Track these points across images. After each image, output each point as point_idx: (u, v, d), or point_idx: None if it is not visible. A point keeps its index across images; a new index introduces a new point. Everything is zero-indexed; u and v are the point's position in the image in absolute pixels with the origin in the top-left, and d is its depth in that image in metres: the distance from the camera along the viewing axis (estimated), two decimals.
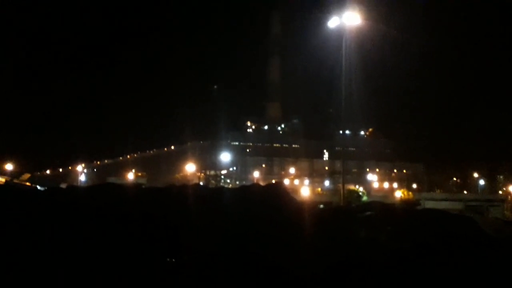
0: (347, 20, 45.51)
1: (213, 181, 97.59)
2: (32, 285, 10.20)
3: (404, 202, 60.69)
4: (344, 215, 22.34)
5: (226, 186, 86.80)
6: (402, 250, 13.74)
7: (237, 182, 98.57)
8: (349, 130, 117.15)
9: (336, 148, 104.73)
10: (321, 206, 46.18)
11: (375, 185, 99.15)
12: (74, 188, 29.46)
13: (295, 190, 67.78)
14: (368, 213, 20.82)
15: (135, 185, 36.45)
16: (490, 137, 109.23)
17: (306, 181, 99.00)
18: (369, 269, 11.90)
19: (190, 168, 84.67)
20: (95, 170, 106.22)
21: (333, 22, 46.68)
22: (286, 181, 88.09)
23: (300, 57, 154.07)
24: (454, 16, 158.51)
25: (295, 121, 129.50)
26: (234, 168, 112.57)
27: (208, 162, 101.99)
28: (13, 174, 71.74)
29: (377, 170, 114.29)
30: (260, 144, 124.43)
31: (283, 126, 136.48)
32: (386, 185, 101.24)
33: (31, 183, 61.55)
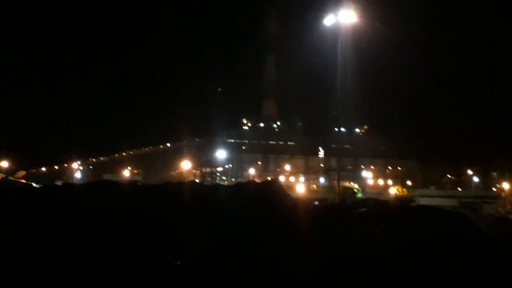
0: (343, 18, 45.50)
1: (208, 178, 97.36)
2: (27, 282, 10.16)
3: (398, 198, 60.72)
4: (339, 212, 22.42)
5: (222, 183, 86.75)
6: (396, 247, 13.80)
7: (233, 179, 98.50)
8: (345, 127, 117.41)
9: (332, 146, 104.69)
10: (316, 202, 46.24)
11: (370, 182, 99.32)
12: (70, 185, 29.38)
13: (291, 187, 67.74)
14: (363, 209, 20.92)
15: (131, 182, 36.41)
16: (484, 134, 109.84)
17: (302, 178, 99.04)
18: (364, 266, 11.94)
19: (186, 165, 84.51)
20: (90, 167, 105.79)
21: (328, 20, 46.67)
22: (282, 178, 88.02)
23: (296, 55, 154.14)
24: (448, 13, 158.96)
25: (296, 123, 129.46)
26: (230, 165, 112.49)
27: (204, 160, 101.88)
28: (8, 172, 71.39)
29: (372, 167, 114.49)
30: (256, 141, 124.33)
31: (278, 123, 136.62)
32: (380, 182, 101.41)
33: (27, 180, 61.28)
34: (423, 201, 61.58)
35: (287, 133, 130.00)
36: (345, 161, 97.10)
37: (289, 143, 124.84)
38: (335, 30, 45.79)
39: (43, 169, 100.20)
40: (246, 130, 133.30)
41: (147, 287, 10.49)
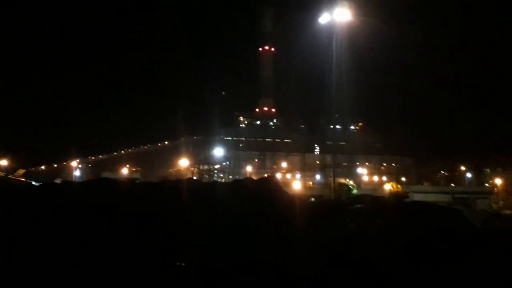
0: (338, 17, 45.54)
1: (206, 176, 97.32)
2: (27, 280, 10.14)
3: (393, 195, 60.79)
4: (334, 208, 22.44)
5: (219, 180, 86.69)
6: (391, 243, 13.82)
7: (230, 177, 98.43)
8: (340, 124, 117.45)
9: (327, 143, 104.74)
10: (312, 199, 46.34)
11: (365, 178, 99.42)
12: (69, 184, 29.35)
13: (287, 184, 67.76)
14: (358, 206, 20.94)
15: (130, 180, 36.38)
16: (477, 131, 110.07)
17: (298, 175, 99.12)
18: (359, 262, 11.96)
19: (183, 163, 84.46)
20: (89, 165, 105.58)
21: (324, 19, 46.69)
22: (278, 175, 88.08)
23: (292, 53, 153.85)
24: (442, 10, 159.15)
25: (294, 121, 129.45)
26: (227, 162, 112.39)
27: (201, 157, 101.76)
28: (8, 170, 71.15)
29: (367, 163, 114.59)
30: (253, 139, 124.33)
31: (275, 121, 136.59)
32: (375, 178, 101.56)
33: (26, 179, 61.19)
34: (417, 197, 61.67)
35: (283, 131, 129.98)
36: (341, 158, 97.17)
37: (285, 140, 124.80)
38: (330, 28, 45.84)
39: (43, 167, 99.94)
40: (243, 127, 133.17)
41: (147, 286, 10.48)
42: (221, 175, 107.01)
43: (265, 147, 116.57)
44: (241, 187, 19.95)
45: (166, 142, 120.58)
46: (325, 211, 20.89)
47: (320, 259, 11.76)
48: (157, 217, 14.21)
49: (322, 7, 47.43)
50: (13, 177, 62.56)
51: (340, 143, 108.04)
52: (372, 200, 23.87)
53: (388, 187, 68.93)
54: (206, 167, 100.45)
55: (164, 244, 12.28)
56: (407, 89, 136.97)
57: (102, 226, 13.09)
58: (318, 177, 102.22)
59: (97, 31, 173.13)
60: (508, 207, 69.63)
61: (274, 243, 12.57)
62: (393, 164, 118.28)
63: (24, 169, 78.37)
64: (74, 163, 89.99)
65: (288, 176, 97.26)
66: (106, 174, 68.27)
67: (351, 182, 72.29)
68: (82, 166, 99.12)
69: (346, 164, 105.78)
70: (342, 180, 73.59)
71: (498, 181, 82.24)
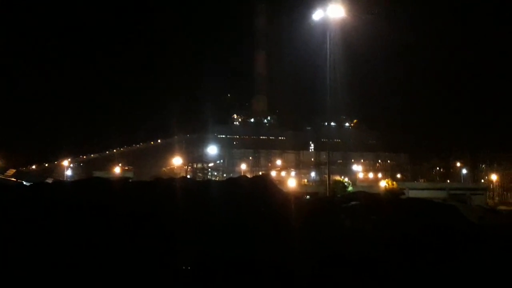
0: (331, 13, 45.61)
1: (200, 174, 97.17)
2: (18, 282, 10.07)
3: (388, 191, 61.07)
4: (329, 205, 22.50)
5: (213, 178, 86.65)
6: (387, 240, 13.87)
7: (224, 175, 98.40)
8: (334, 122, 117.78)
9: (322, 140, 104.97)
10: (308, 196, 46.40)
11: (360, 175, 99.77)
12: (60, 183, 29.21)
13: (282, 181, 67.88)
14: (354, 203, 21.02)
15: (122, 179, 36.23)
16: (472, 127, 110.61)
17: (293, 173, 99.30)
18: (354, 260, 11.98)
19: (177, 161, 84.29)
20: (81, 164, 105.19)
21: (317, 15, 46.75)
22: (273, 173, 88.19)
23: (285, 50, 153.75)
24: (437, 6, 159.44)
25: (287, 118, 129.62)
26: (221, 161, 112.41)
27: (195, 155, 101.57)
28: None
29: (362, 160, 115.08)
30: (247, 136, 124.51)
31: (269, 118, 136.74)
32: (371, 175, 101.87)
33: (17, 179, 60.78)
34: (413, 194, 61.97)
35: (278, 128, 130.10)
36: (336, 155, 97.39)
37: (280, 138, 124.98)
38: (324, 25, 45.91)
39: (33, 167, 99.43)
40: (237, 125, 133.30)
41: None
42: (215, 173, 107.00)
43: (259, 145, 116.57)
44: (236, 185, 19.91)
45: (159, 140, 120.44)
46: (320, 208, 20.94)
47: (315, 257, 11.76)
48: (151, 216, 14.16)
49: (316, 3, 47.51)
50: (3, 177, 62.13)
51: (335, 140, 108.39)
52: (368, 197, 23.97)
53: (383, 184, 69.23)
54: (200, 165, 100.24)
55: (158, 245, 12.23)
56: (402, 86, 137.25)
57: (94, 226, 13.02)
58: (313, 174, 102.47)
59: (86, 25, 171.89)
60: (504, 203, 70.23)
61: (269, 242, 12.56)
62: (388, 161, 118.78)
63: (14, 168, 77.88)
64: (65, 162, 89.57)
65: (283, 173, 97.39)
66: (98, 173, 68.01)
67: (346, 179, 72.53)
68: (73, 165, 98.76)
69: (341, 161, 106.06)
70: (337, 177, 73.84)
71: (494, 177, 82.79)
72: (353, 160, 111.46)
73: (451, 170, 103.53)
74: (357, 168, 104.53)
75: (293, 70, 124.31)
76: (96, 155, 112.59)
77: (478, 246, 13.54)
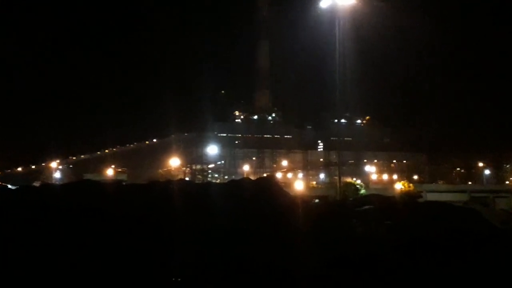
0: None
1: (199, 176, 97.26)
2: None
3: (404, 194, 61.09)
4: (340, 210, 22.53)
5: (213, 181, 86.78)
6: (402, 247, 13.87)
7: (226, 177, 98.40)
8: (345, 118, 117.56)
9: (332, 138, 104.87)
10: (316, 200, 46.40)
11: (374, 177, 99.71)
12: (48, 187, 29.31)
13: (288, 184, 67.84)
14: (366, 207, 21.03)
15: (115, 182, 36.37)
16: (496, 123, 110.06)
17: (300, 174, 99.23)
18: (368, 267, 12.01)
19: (174, 162, 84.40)
20: (70, 166, 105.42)
21: (325, 2, 46.68)
22: (278, 175, 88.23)
23: (290, 40, 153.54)
24: None
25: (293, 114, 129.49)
26: (222, 161, 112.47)
27: (194, 156, 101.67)
28: None
29: (376, 161, 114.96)
30: (250, 135, 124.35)
31: (273, 115, 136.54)
32: (385, 176, 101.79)
33: (1, 182, 61.07)
34: (431, 197, 61.93)
35: (283, 126, 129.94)
36: (347, 155, 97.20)
37: (285, 136, 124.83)
38: (332, 12, 45.80)
39: (19, 169, 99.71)
40: (239, 123, 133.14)
41: None
42: (216, 175, 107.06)
43: (263, 144, 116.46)
44: (238, 188, 19.97)
45: (155, 140, 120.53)
46: (331, 213, 20.97)
47: (326, 264, 11.80)
48: (146, 223, 14.22)
49: None
50: None
51: (346, 138, 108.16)
52: (382, 201, 23.98)
53: (399, 186, 69.23)
54: (199, 166, 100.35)
55: (154, 253, 12.28)
56: (418, 79, 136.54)
57: (84, 233, 13.08)
58: (322, 176, 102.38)
59: (74, 20, 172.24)
60: None
61: (275, 249, 12.60)
62: (404, 161, 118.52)
63: None
64: (53, 164, 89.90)
65: (289, 175, 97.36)
66: (89, 176, 68.16)
67: (358, 181, 72.55)
68: (62, 167, 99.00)
69: (352, 161, 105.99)
70: (349, 179, 73.85)
71: None
72: (365, 160, 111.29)
73: (473, 171, 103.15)
74: (370, 169, 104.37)
75: (299, 62, 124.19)
76: (87, 156, 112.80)
77: (501, 254, 13.53)
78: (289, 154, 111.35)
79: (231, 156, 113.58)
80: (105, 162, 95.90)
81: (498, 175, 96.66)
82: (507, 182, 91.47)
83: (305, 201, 27.78)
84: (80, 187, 20.23)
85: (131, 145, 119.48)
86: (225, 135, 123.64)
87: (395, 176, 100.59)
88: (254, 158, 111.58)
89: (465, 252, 13.29)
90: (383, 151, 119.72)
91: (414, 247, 13.70)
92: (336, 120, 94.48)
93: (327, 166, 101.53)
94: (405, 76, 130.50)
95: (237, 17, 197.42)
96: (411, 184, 71.27)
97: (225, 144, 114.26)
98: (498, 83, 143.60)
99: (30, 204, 15.80)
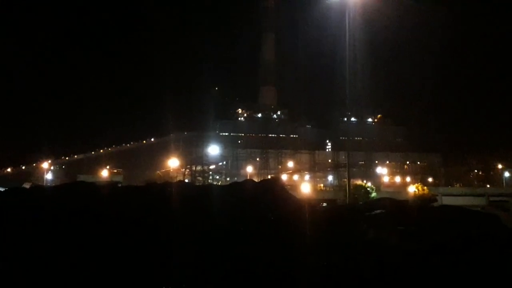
0: None
1: (200, 178, 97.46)
2: None
3: (418, 198, 61.10)
4: (350, 214, 22.47)
5: (215, 183, 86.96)
6: (416, 253, 13.83)
7: (228, 179, 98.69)
8: (355, 116, 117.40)
9: (341, 138, 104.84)
10: (324, 204, 46.40)
11: (385, 179, 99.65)
12: (40, 189, 29.37)
13: (294, 186, 67.93)
14: (378, 211, 20.96)
15: (110, 184, 36.40)
16: None
17: (307, 176, 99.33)
18: (379, 275, 11.98)
19: (173, 163, 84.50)
20: (63, 167, 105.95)
21: None
22: (284, 177, 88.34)
23: (297, 33, 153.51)
24: None
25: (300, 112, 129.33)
26: (224, 162, 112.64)
27: (193, 156, 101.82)
28: None
29: (388, 162, 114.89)
30: (253, 134, 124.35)
31: (279, 113, 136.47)
32: (397, 179, 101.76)
33: None
34: (446, 201, 61.88)
35: (289, 124, 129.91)
36: (356, 156, 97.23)
37: (291, 136, 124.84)
38: (342, 3, 45.68)
39: (8, 169, 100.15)
40: (242, 121, 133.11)
41: None
42: (217, 177, 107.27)
43: (267, 144, 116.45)
44: (241, 191, 19.95)
45: (153, 139, 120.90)
46: (339, 217, 20.93)
47: (334, 272, 11.78)
48: (142, 227, 14.21)
49: None
50: None
51: (356, 138, 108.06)
52: (394, 205, 23.89)
53: (412, 189, 69.20)
54: (199, 167, 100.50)
55: (151, 262, 12.29)
56: (433, 76, 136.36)
57: (77, 238, 13.09)
58: (330, 178, 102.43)
59: (74, 20, 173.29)
60: None
61: (281, 256, 12.57)
62: (418, 163, 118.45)
63: None
64: (45, 165, 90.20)
65: (296, 177, 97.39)
66: (83, 177, 68.43)
67: (369, 184, 72.55)
68: (54, 168, 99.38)
69: (363, 162, 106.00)
70: (359, 182, 73.90)
71: None
72: (377, 162, 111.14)
73: (492, 173, 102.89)
74: (381, 170, 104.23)
75: (306, 57, 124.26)
76: (81, 156, 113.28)
77: None
78: (295, 154, 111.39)
79: (233, 157, 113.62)
80: (100, 162, 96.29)
81: None
82: None
83: (312, 204, 27.77)
84: (73, 189, 20.26)
85: (128, 145, 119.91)
86: (227, 134, 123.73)
87: (408, 179, 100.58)
88: (258, 159, 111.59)
89: (483, 260, 13.22)
90: (396, 152, 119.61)
91: (429, 254, 13.65)
92: (345, 119, 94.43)
93: (335, 168, 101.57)
94: (419, 72, 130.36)
95: (241, 10, 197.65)
96: (425, 187, 71.23)
97: (227, 144, 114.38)
98: None
99: (19, 207, 15.82)
